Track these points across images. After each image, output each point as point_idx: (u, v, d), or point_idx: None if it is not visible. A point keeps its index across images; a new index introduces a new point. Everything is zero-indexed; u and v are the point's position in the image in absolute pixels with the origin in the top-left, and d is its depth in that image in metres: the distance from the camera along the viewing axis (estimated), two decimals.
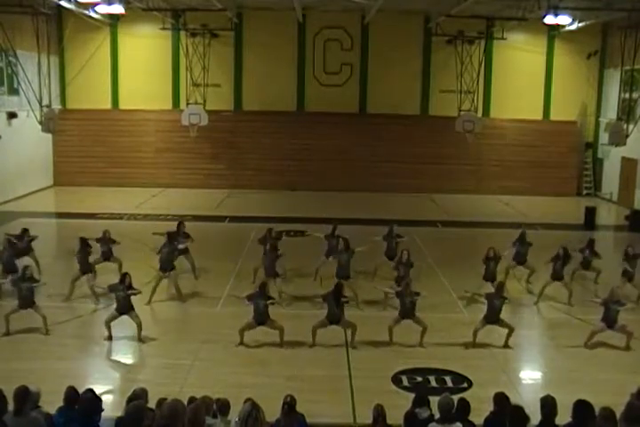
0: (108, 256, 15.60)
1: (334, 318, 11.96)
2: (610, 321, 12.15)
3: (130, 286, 12.12)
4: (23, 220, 21.17)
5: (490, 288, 13.61)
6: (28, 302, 12.31)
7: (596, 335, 12.22)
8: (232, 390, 8.74)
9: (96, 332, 12.49)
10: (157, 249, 14.66)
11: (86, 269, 14.42)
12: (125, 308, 12.09)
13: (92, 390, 6.98)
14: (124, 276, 12.27)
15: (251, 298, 11.95)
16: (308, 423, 7.64)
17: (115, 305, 12.27)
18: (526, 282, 16.17)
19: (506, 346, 12.17)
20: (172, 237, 15.06)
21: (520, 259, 15.82)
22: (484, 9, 24.82)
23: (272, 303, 12.05)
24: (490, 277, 14.54)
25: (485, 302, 12.29)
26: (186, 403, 6.27)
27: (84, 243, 14.59)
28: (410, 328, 12.19)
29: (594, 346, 12.21)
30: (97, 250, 15.57)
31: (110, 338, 12.07)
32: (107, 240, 15.55)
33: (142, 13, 26.47)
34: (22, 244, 15.48)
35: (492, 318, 12.15)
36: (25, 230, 15.94)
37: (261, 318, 11.85)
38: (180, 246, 15.22)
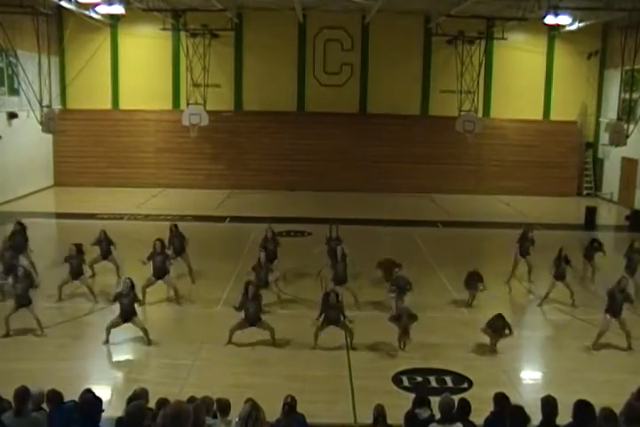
0: (106, 255, 15.61)
1: (332, 321, 11.96)
2: (615, 311, 12.07)
3: (134, 293, 12.13)
4: (23, 220, 21.09)
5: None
6: (22, 300, 12.28)
7: (603, 335, 12.13)
8: (232, 390, 8.72)
9: (96, 332, 12.46)
10: (146, 259, 14.24)
11: (78, 274, 14.31)
12: (129, 314, 12.00)
13: (91, 391, 6.97)
14: (131, 284, 12.15)
15: (242, 306, 11.95)
16: (308, 424, 7.63)
17: (118, 311, 12.13)
18: (528, 282, 16.21)
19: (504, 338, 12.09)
20: (164, 244, 14.76)
21: (524, 254, 16.13)
22: (485, 9, 24.81)
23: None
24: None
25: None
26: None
27: (79, 250, 14.48)
28: (411, 328, 12.17)
29: (598, 347, 12.17)
30: (95, 251, 15.59)
31: (107, 342, 11.97)
32: (105, 240, 15.57)
33: (142, 14, 26.48)
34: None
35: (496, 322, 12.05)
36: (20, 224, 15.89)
37: (252, 320, 11.89)
38: (171, 261, 14.72)
